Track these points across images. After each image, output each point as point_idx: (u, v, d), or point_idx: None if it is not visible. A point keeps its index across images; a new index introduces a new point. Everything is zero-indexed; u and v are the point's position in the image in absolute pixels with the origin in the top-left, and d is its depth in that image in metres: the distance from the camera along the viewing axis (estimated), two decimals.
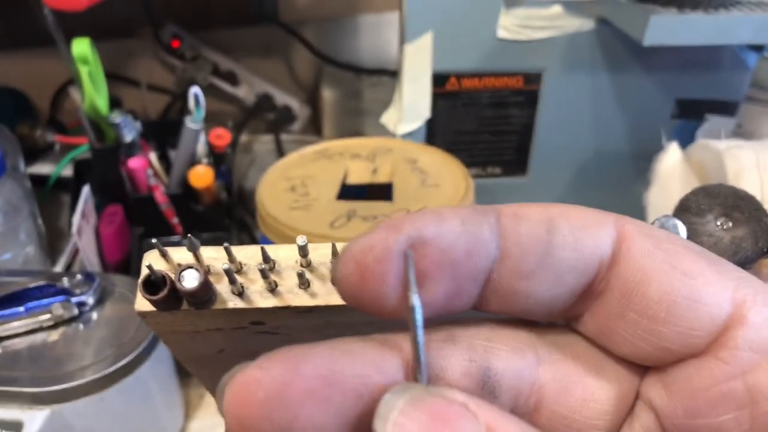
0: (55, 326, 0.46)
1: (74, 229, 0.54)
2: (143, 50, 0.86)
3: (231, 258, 0.22)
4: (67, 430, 0.43)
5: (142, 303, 0.21)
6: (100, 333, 0.46)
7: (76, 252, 0.63)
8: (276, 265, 0.23)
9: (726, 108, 0.63)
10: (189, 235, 0.20)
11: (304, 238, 0.21)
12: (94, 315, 0.47)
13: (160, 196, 0.61)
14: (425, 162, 0.55)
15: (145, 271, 0.21)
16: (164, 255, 0.22)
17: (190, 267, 0.20)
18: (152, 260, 0.22)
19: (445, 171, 0.53)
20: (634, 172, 0.64)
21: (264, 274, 0.21)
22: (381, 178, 0.54)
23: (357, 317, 0.24)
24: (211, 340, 0.25)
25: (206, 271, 0.22)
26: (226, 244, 0.21)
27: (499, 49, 0.57)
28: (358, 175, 0.54)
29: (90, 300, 0.47)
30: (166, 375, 0.50)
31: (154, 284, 0.21)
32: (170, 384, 0.51)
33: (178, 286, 0.20)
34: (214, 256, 0.23)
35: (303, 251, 0.22)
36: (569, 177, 0.65)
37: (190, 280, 0.20)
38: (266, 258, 0.22)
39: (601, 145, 0.64)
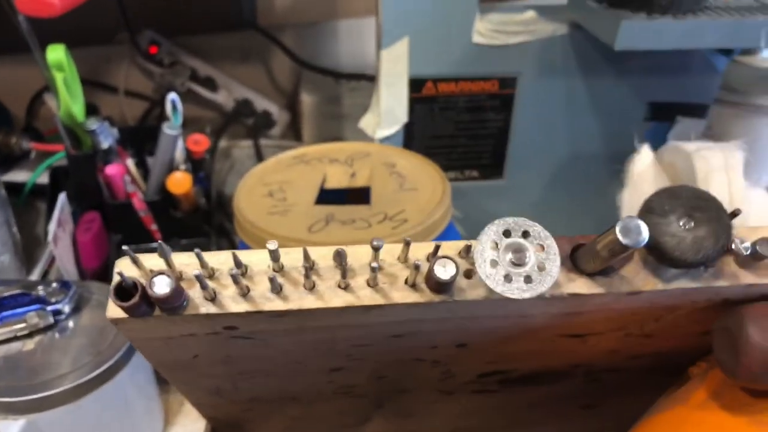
0: (30, 335, 0.45)
1: (50, 236, 0.54)
2: (121, 57, 0.86)
3: (202, 263, 0.22)
4: None
5: (114, 310, 0.22)
6: (77, 341, 0.45)
7: (52, 260, 0.62)
8: (248, 270, 0.23)
9: (696, 110, 0.64)
10: (160, 241, 0.21)
11: (275, 243, 0.21)
12: (71, 323, 0.47)
13: (138, 202, 0.61)
14: (403, 166, 0.55)
15: (116, 278, 0.21)
16: (135, 262, 0.22)
17: (161, 273, 0.21)
18: (124, 267, 0.22)
19: (423, 174, 0.54)
20: (608, 173, 0.65)
21: (235, 279, 0.21)
22: (359, 182, 0.54)
23: (329, 321, 0.24)
24: (185, 346, 0.25)
25: (178, 278, 0.22)
26: (197, 250, 0.21)
27: (474, 54, 0.58)
28: (337, 180, 0.55)
29: (66, 308, 0.47)
30: (145, 382, 0.49)
31: (125, 291, 0.21)
32: (149, 391, 0.50)
33: (150, 293, 0.20)
34: (186, 262, 0.23)
35: (274, 255, 0.22)
36: (545, 179, 0.66)
37: (162, 286, 0.20)
38: (238, 263, 0.22)
39: (575, 147, 0.65)
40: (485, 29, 0.57)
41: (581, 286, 0.23)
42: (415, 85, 0.59)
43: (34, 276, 0.61)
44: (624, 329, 0.28)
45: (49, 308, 0.46)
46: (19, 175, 0.76)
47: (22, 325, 0.45)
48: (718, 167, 0.48)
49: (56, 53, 0.55)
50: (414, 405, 0.37)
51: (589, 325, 0.27)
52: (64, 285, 0.48)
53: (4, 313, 0.45)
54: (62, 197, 0.58)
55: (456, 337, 0.27)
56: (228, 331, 0.24)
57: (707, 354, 0.31)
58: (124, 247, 0.21)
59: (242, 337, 0.24)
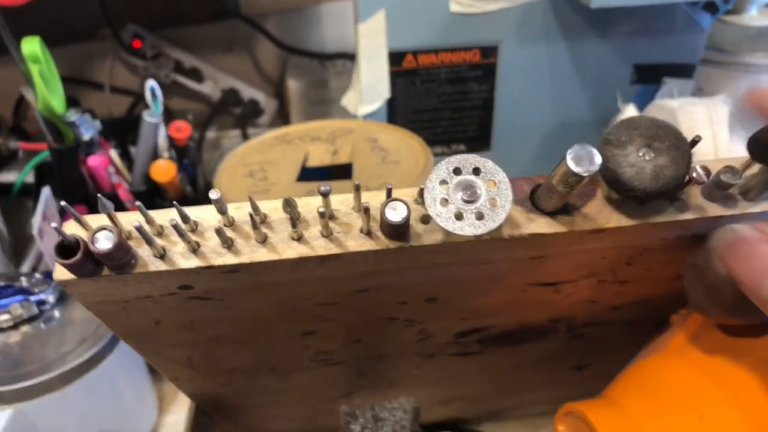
0: (15, 326, 0.45)
1: (35, 230, 0.54)
2: (105, 52, 0.85)
3: (147, 219, 0.21)
4: (32, 428, 0.42)
5: (61, 271, 0.21)
6: (62, 330, 0.45)
7: (41, 256, 0.62)
8: (198, 226, 0.22)
9: (683, 71, 0.63)
10: (99, 195, 0.20)
11: (217, 192, 0.20)
12: (56, 313, 0.46)
13: (123, 193, 0.61)
14: (385, 140, 0.54)
15: (57, 237, 0.20)
16: (79, 220, 0.21)
17: (103, 228, 0.20)
18: (70, 229, 0.22)
19: (405, 147, 0.53)
20: (596, 138, 0.64)
21: (179, 231, 0.20)
22: (341, 159, 0.54)
23: (286, 276, 0.23)
24: (144, 311, 0.24)
25: (126, 236, 0.22)
26: (138, 203, 0.21)
27: (453, 23, 0.57)
28: (319, 158, 0.54)
29: (50, 298, 0.46)
30: (135, 369, 0.49)
31: (69, 250, 0.20)
32: (140, 379, 0.50)
33: (92, 249, 0.20)
34: (134, 220, 0.22)
35: (219, 206, 0.21)
36: (533, 148, 0.65)
37: (104, 242, 0.20)
38: (185, 218, 0.22)
39: (562, 114, 0.64)
40: None
41: (542, 225, 0.22)
42: (395, 58, 0.58)
43: (23, 271, 0.61)
44: (597, 275, 0.27)
45: (33, 299, 0.46)
46: (8, 176, 0.76)
47: (6, 316, 0.45)
48: (702, 122, 0.47)
49: (31, 45, 0.54)
50: (396, 372, 0.36)
51: (559, 272, 0.26)
52: (48, 276, 0.47)
53: None
54: (45, 191, 0.57)
55: (423, 290, 0.26)
56: (183, 291, 0.23)
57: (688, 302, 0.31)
58: (62, 203, 0.20)
59: (200, 298, 0.24)
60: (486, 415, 0.49)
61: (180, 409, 0.55)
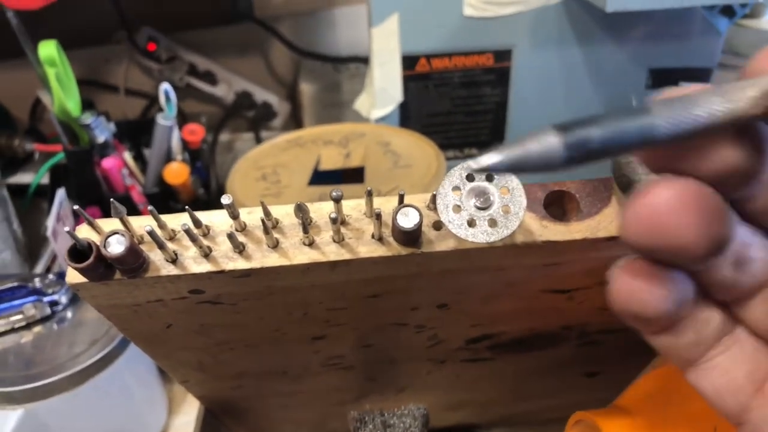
0: (28, 327, 0.45)
1: (49, 231, 0.54)
2: (120, 56, 0.86)
3: (159, 223, 0.21)
4: (43, 428, 0.42)
5: (74, 275, 0.21)
6: (74, 331, 0.45)
7: (55, 257, 0.63)
8: (210, 231, 0.22)
9: (700, 75, 0.62)
10: (112, 200, 0.20)
11: (228, 197, 0.20)
12: (69, 314, 0.47)
13: (137, 195, 0.61)
14: (397, 144, 0.54)
15: (70, 241, 0.20)
16: (91, 224, 0.21)
17: (115, 233, 0.20)
18: (83, 233, 0.22)
19: (417, 151, 0.53)
20: None
21: (191, 236, 0.20)
22: (354, 162, 0.54)
23: (297, 281, 0.23)
24: (155, 314, 0.25)
25: (139, 240, 0.22)
26: (150, 207, 0.21)
27: (466, 27, 0.57)
28: (331, 161, 0.54)
29: (63, 299, 0.47)
30: (145, 371, 0.49)
31: (82, 254, 0.20)
32: (150, 380, 0.50)
33: (104, 253, 0.20)
34: (146, 224, 0.22)
35: (231, 211, 0.21)
36: None
37: (116, 246, 0.20)
38: (196, 222, 0.22)
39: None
40: (476, 1, 0.56)
41: (556, 232, 0.22)
42: (408, 62, 0.58)
43: (37, 271, 0.61)
44: None
45: (46, 299, 0.46)
46: (24, 177, 0.76)
47: (20, 316, 0.45)
48: None
49: (48, 49, 0.55)
50: (407, 377, 0.36)
51: (572, 279, 0.26)
52: (61, 276, 0.48)
53: (1, 306, 0.45)
54: (60, 193, 0.58)
55: (434, 296, 0.26)
56: (194, 295, 0.23)
57: None
58: (75, 207, 0.20)
59: (211, 302, 0.24)
60: (496, 420, 0.49)
61: (190, 411, 0.55)
